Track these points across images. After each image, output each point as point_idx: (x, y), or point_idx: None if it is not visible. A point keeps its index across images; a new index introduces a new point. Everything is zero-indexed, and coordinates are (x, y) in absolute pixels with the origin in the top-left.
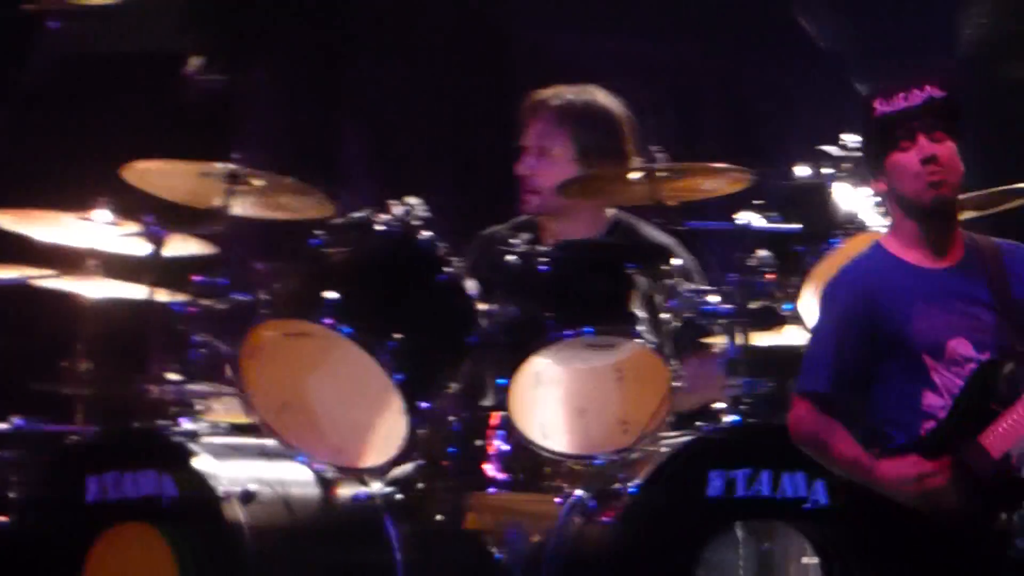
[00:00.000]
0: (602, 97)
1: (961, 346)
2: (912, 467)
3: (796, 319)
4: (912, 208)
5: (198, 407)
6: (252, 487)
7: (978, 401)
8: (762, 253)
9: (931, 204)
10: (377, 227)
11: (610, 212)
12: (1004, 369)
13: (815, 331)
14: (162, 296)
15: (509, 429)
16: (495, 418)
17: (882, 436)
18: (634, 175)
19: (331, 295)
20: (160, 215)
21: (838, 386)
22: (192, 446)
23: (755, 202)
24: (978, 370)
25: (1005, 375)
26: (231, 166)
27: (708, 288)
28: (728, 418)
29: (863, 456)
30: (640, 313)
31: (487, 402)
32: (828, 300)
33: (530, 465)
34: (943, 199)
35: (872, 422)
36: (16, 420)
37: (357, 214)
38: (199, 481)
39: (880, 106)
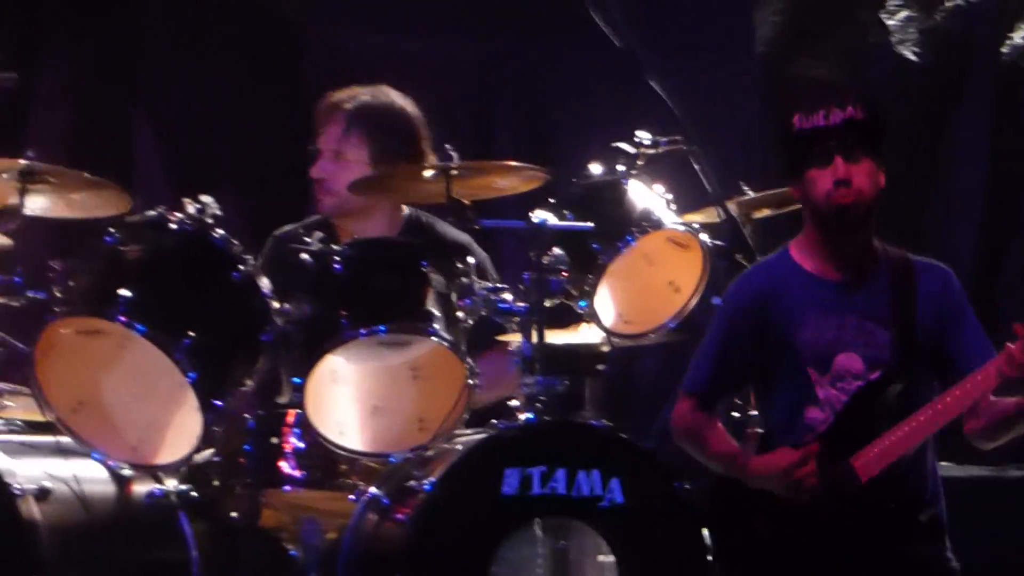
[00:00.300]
0: (396, 98)
1: (851, 361)
2: (782, 458)
3: (591, 317)
4: (819, 221)
5: None
6: (47, 484)
7: (859, 421)
8: (556, 251)
9: (837, 222)
10: (171, 225)
11: (405, 210)
12: (890, 390)
13: (707, 330)
14: None
15: (304, 427)
16: (291, 416)
17: (770, 444)
18: (428, 173)
19: (125, 293)
20: None
21: (718, 386)
22: None
23: (550, 200)
24: (863, 388)
25: (890, 396)
26: (24, 163)
27: (503, 286)
28: (523, 416)
29: (737, 452)
30: (435, 311)
31: (283, 400)
32: (725, 300)
33: (325, 463)
34: (851, 219)
35: (765, 429)
36: None
37: (151, 212)
38: None
39: (799, 122)
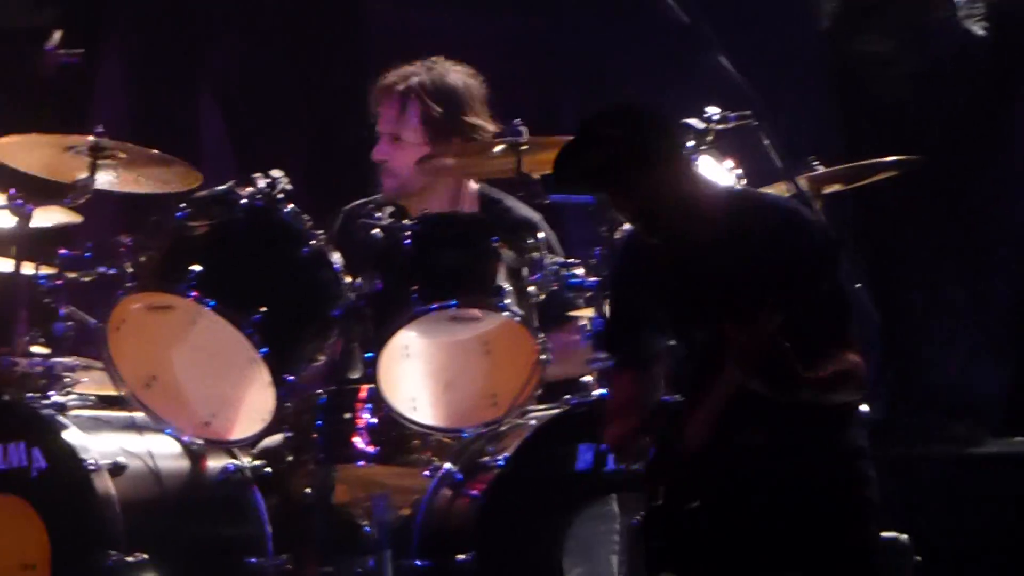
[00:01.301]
0: (450, 72)
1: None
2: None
3: None
4: None
5: (66, 380)
6: (121, 460)
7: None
8: (627, 227)
9: None
10: (241, 200)
11: (474, 186)
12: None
13: None
14: (28, 269)
15: (377, 402)
16: (363, 391)
17: None
18: (497, 148)
19: (196, 268)
20: (24, 188)
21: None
22: (61, 419)
23: None
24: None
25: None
26: (95, 139)
27: (574, 261)
28: (597, 391)
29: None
30: (506, 286)
31: (355, 375)
32: None
33: (398, 438)
34: None
35: None
36: None
37: (220, 187)
38: (69, 454)
39: None
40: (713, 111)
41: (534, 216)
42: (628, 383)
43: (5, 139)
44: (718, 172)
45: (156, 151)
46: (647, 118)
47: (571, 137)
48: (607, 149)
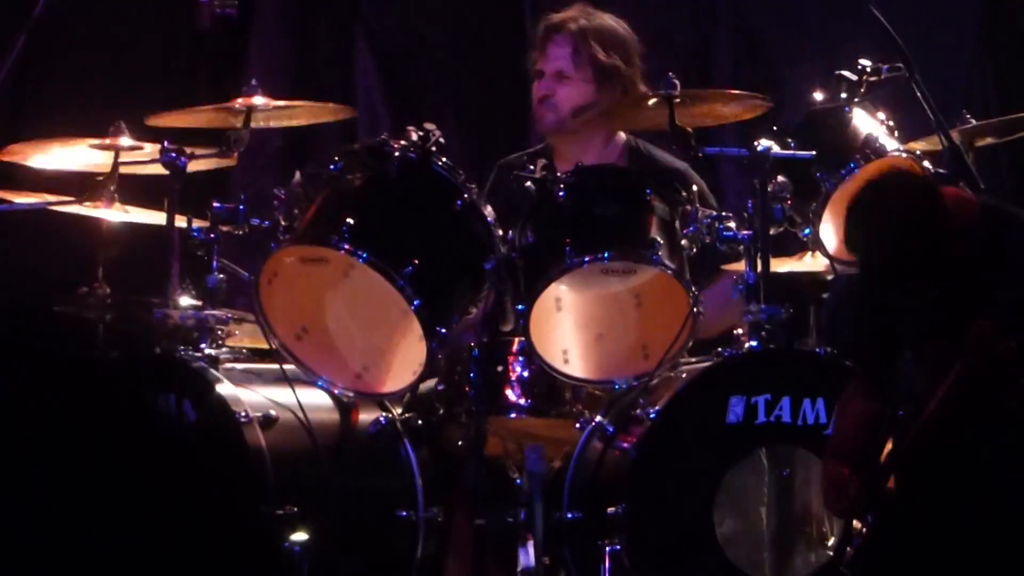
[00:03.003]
0: (614, 21)
1: None
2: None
3: (815, 244)
4: None
5: (218, 332)
6: (272, 412)
7: None
8: (781, 179)
9: None
10: (394, 153)
11: (622, 137)
12: None
13: None
14: (181, 221)
15: (529, 355)
16: (515, 344)
17: None
18: (651, 101)
19: (349, 221)
20: (178, 141)
21: None
22: (213, 372)
23: (772, 128)
24: None
25: None
26: (249, 100)
27: (727, 214)
28: (748, 344)
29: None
30: (659, 238)
31: (507, 328)
32: None
33: (550, 390)
34: None
35: None
36: None
37: (374, 140)
38: (220, 406)
39: None
40: (866, 63)
41: (681, 165)
42: (859, 408)
43: (163, 115)
44: (872, 124)
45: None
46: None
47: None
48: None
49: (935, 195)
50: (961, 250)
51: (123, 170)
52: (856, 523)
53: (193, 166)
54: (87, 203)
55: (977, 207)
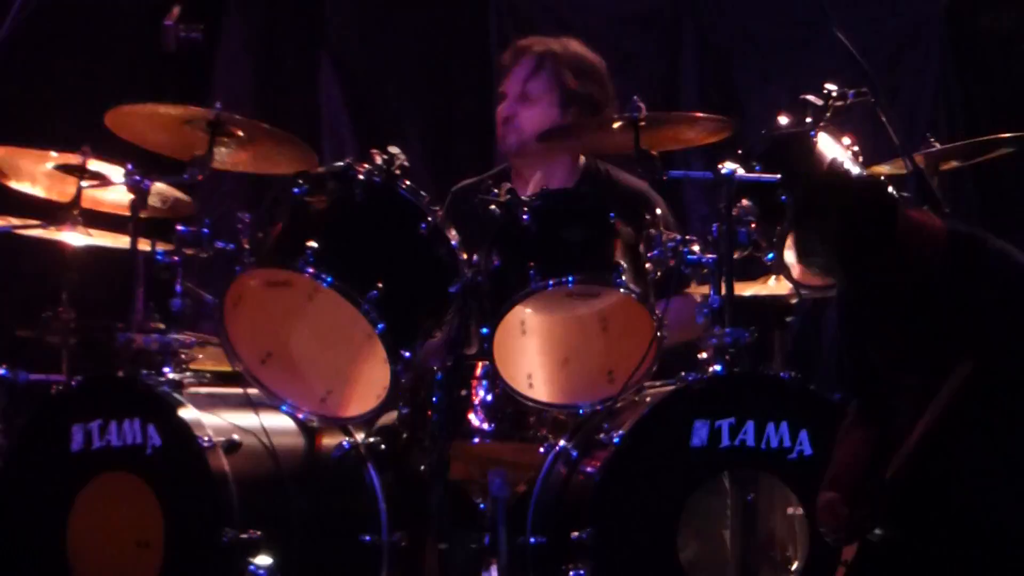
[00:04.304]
0: (580, 47)
1: None
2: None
3: (779, 269)
4: None
5: (182, 356)
6: (236, 437)
7: None
8: (745, 203)
9: None
10: (359, 176)
11: (583, 159)
12: None
13: None
14: (145, 245)
15: (493, 378)
16: (479, 367)
17: None
18: (616, 124)
19: (313, 244)
20: (142, 164)
21: None
22: (177, 396)
23: (738, 151)
24: None
25: None
26: (214, 113)
27: (691, 237)
28: (712, 368)
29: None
30: (623, 262)
31: (471, 351)
32: None
33: (514, 415)
34: None
35: None
36: (0, 370)
37: (338, 163)
38: (184, 431)
39: None
40: (832, 87)
41: (643, 186)
42: (859, 443)
43: (124, 108)
44: (837, 149)
45: (272, 127)
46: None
47: (691, 113)
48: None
49: (880, 187)
50: (929, 275)
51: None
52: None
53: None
54: (52, 227)
55: (946, 232)
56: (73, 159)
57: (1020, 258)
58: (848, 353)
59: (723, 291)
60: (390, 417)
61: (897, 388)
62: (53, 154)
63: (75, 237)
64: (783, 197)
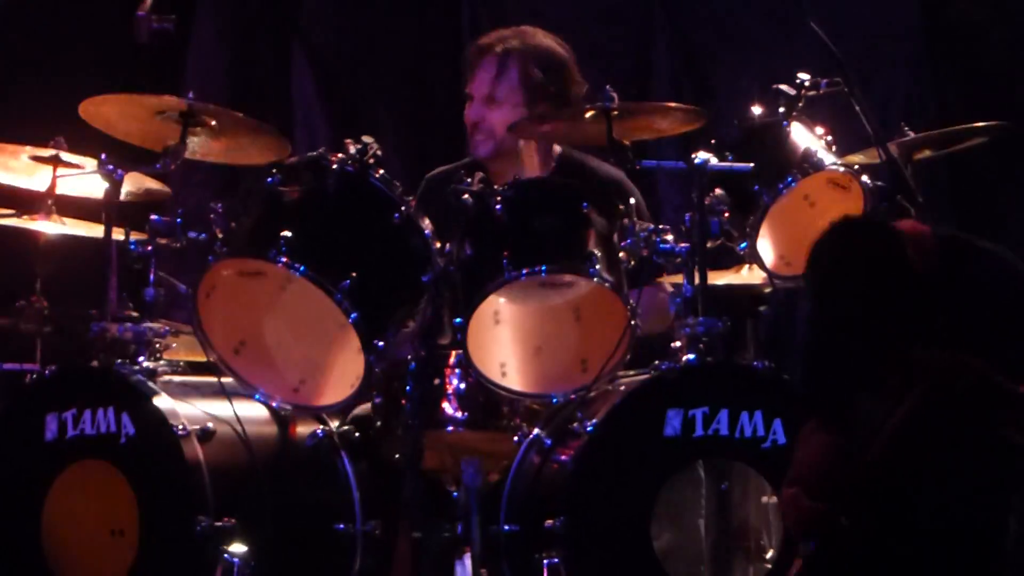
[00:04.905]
0: (544, 39)
1: None
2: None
3: (752, 258)
4: None
5: (156, 346)
6: (210, 425)
7: None
8: (718, 192)
9: None
10: (332, 166)
11: (556, 149)
12: None
13: None
14: (118, 235)
15: (466, 368)
16: (452, 357)
17: None
18: (588, 115)
19: (286, 234)
20: (115, 154)
21: None
22: (150, 384)
23: (711, 141)
24: None
25: None
26: (186, 103)
27: (664, 227)
28: (685, 357)
29: None
30: (597, 252)
31: (444, 341)
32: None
33: (487, 404)
34: None
35: None
36: None
37: (312, 153)
38: (158, 419)
39: None
40: (805, 77)
41: (617, 175)
42: (820, 441)
43: (98, 99)
44: (810, 138)
45: (244, 115)
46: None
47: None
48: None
49: (899, 244)
50: (923, 288)
51: (60, 184)
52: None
53: (133, 185)
54: (25, 216)
55: (935, 241)
56: (46, 153)
57: (1009, 256)
58: (815, 368)
59: (696, 280)
60: (364, 407)
61: (863, 399)
62: (27, 149)
63: (49, 226)
64: (756, 187)
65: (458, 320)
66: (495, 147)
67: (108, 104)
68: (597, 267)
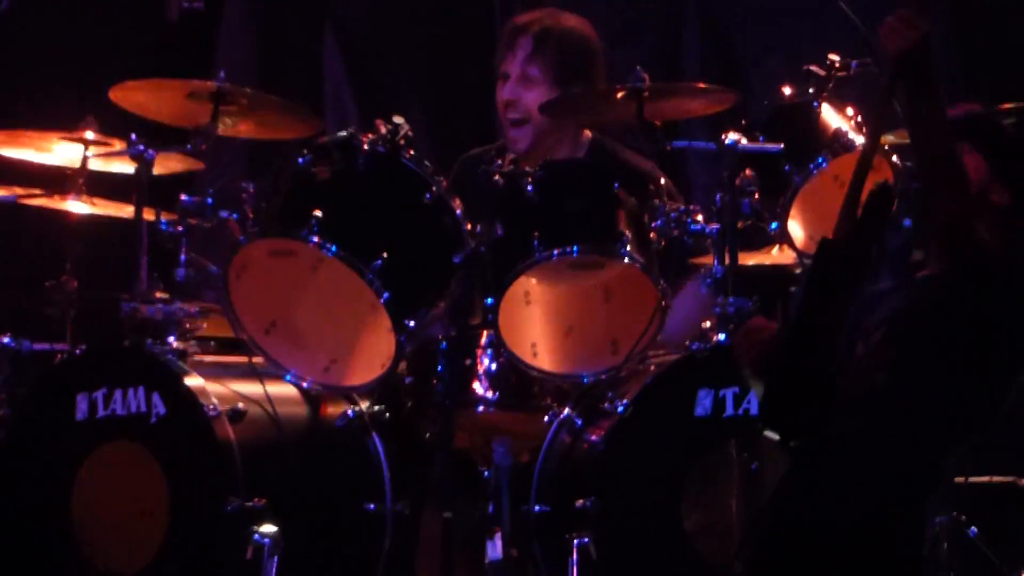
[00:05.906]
0: (577, 22)
1: None
2: None
3: (782, 239)
4: None
5: (186, 326)
6: (241, 406)
7: None
8: (748, 173)
9: None
10: (363, 146)
11: (587, 135)
12: None
13: None
14: (149, 215)
15: (497, 348)
16: (483, 337)
17: None
18: (619, 95)
19: (317, 214)
20: (146, 134)
21: None
22: (181, 364)
23: (741, 122)
24: None
25: None
26: (218, 84)
27: (694, 207)
28: (716, 337)
29: None
30: (627, 232)
31: (475, 321)
32: None
33: (518, 384)
34: None
35: None
36: (4, 339)
37: (342, 133)
38: (189, 399)
39: None
40: (835, 57)
41: (648, 166)
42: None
43: (129, 84)
44: (840, 119)
45: (277, 97)
46: None
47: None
48: None
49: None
50: None
51: (92, 164)
52: None
53: (162, 163)
54: (56, 196)
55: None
56: (77, 138)
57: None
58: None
59: (726, 261)
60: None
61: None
62: (57, 134)
63: (79, 206)
64: (787, 167)
65: (489, 300)
66: (532, 140)
67: (138, 87)
68: (628, 247)
